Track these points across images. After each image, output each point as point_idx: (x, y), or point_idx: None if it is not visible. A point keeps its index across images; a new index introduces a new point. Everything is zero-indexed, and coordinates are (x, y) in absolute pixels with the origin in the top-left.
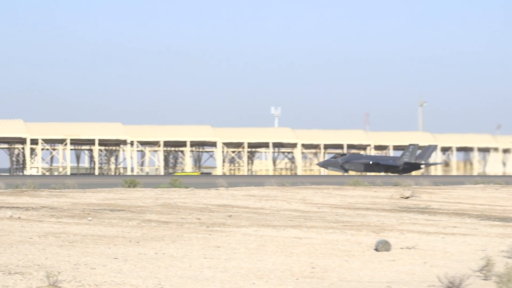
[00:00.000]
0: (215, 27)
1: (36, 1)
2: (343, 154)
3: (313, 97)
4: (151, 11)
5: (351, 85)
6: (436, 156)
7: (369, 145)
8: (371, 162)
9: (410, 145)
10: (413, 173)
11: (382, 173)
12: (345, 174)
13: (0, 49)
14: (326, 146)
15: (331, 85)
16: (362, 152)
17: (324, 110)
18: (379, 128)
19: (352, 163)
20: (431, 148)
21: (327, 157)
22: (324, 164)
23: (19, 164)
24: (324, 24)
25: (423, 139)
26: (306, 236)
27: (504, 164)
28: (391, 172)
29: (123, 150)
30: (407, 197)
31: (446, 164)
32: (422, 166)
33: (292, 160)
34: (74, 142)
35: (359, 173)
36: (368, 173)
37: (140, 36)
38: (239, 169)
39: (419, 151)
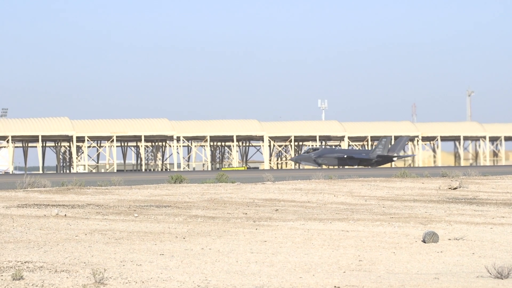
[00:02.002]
0: (260, 22)
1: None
2: (316, 149)
3: (360, 89)
4: (195, 8)
5: (398, 76)
6: (485, 146)
7: (417, 136)
8: (345, 156)
9: (383, 138)
10: (462, 163)
11: (355, 166)
12: (318, 168)
13: (45, 48)
14: (374, 138)
15: (378, 76)
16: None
17: (371, 102)
18: (427, 119)
19: (325, 157)
20: (403, 140)
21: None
22: (297, 159)
23: (66, 162)
24: (369, 16)
25: (471, 129)
26: (353, 229)
27: None
28: (364, 165)
29: (170, 146)
30: (455, 188)
31: (495, 154)
32: (395, 158)
33: None
34: (120, 139)
35: (331, 167)
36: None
37: (188, 34)
38: (286, 163)
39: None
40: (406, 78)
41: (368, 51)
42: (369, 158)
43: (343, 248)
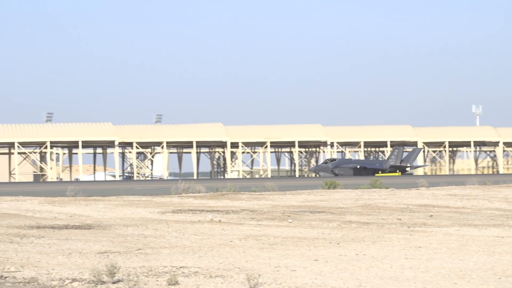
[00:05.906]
0: (422, 25)
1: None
2: (333, 159)
3: None
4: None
5: None
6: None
7: None
8: (358, 166)
9: (395, 148)
10: None
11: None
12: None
13: (188, 53)
14: None
15: None
16: None
17: None
18: None
19: (341, 168)
20: (416, 151)
21: None
22: (315, 169)
23: (220, 168)
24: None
25: None
26: (508, 235)
27: None
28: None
29: (323, 152)
30: None
31: None
32: (408, 169)
33: (494, 158)
34: (274, 144)
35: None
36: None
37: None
38: (440, 168)
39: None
40: None
41: None
42: (383, 169)
43: (498, 254)
